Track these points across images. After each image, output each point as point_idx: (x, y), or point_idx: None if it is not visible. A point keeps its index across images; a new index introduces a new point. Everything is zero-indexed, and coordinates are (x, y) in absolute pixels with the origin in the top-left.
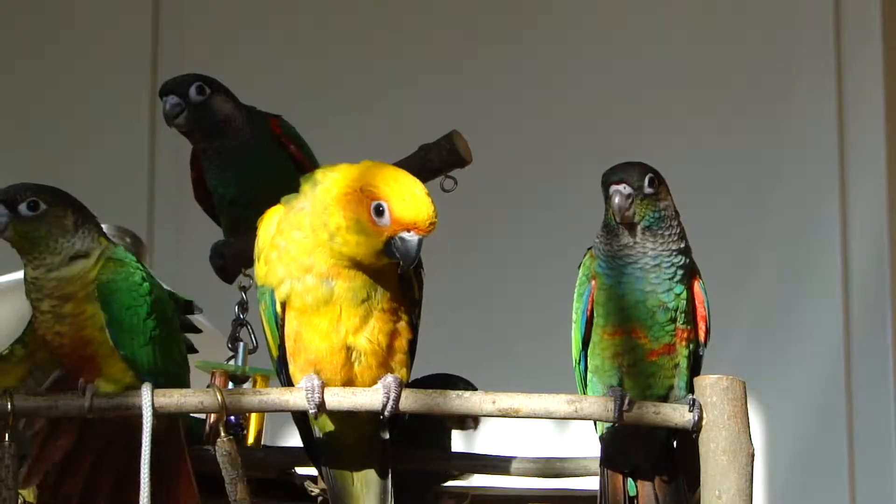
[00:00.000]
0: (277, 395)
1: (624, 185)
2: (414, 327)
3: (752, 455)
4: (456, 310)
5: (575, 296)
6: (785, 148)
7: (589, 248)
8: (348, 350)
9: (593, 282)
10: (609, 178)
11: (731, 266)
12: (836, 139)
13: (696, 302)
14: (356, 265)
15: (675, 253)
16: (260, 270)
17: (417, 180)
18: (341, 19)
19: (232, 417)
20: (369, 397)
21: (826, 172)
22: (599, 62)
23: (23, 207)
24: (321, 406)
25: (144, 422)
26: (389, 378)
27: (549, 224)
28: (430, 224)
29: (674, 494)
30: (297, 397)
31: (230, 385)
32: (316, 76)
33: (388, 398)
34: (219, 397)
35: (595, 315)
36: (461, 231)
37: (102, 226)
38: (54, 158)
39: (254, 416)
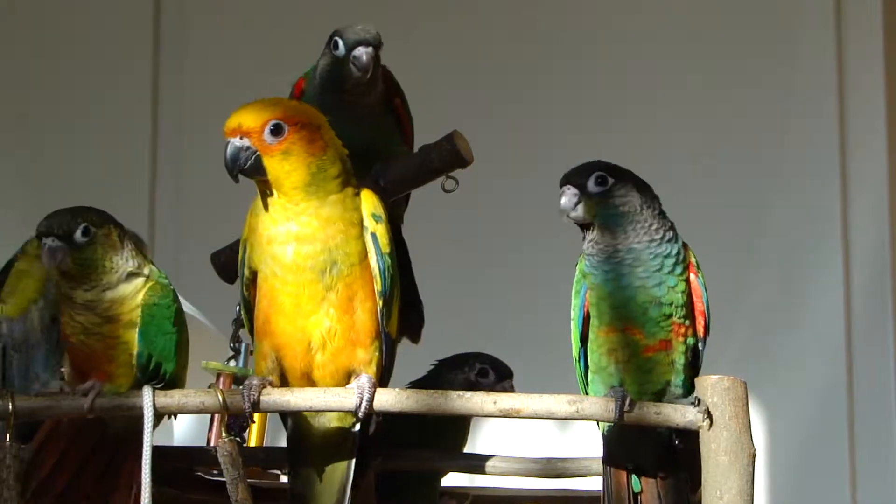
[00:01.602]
0: (278, 396)
1: (568, 185)
2: (380, 327)
3: (754, 455)
4: (456, 309)
5: (573, 293)
6: (786, 146)
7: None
8: (308, 336)
9: (587, 279)
10: (562, 180)
11: (733, 266)
12: (838, 137)
13: (694, 296)
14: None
15: (654, 243)
16: (239, 255)
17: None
18: (342, 20)
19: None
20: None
21: (827, 171)
22: (600, 62)
23: (77, 235)
24: (256, 404)
25: (146, 422)
26: (364, 378)
27: (550, 224)
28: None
29: (675, 491)
30: (298, 397)
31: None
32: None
33: (362, 399)
34: (220, 398)
35: (591, 313)
36: (461, 231)
37: None
38: (55, 159)
39: (256, 416)
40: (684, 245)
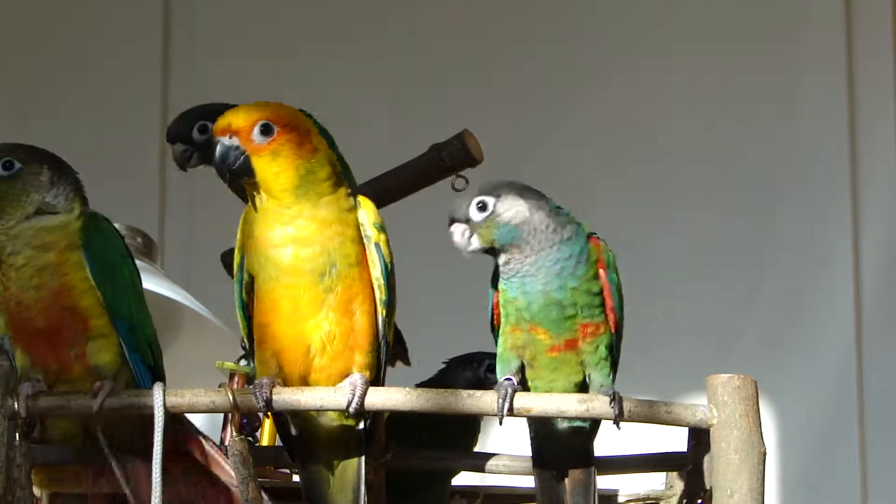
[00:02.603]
0: (289, 395)
1: (455, 223)
2: (378, 334)
3: (764, 454)
4: (465, 308)
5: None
6: (796, 147)
7: None
8: (308, 340)
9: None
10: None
11: (743, 265)
12: (848, 137)
13: (604, 292)
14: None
15: (553, 247)
16: (235, 261)
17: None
18: (353, 18)
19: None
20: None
21: (838, 171)
22: (609, 62)
23: (1, 171)
24: (269, 404)
25: (156, 422)
26: (356, 376)
27: None
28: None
29: (585, 486)
30: (308, 396)
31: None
32: (327, 75)
33: (354, 395)
34: (230, 397)
35: (499, 313)
36: None
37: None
38: (65, 157)
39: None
40: (594, 239)
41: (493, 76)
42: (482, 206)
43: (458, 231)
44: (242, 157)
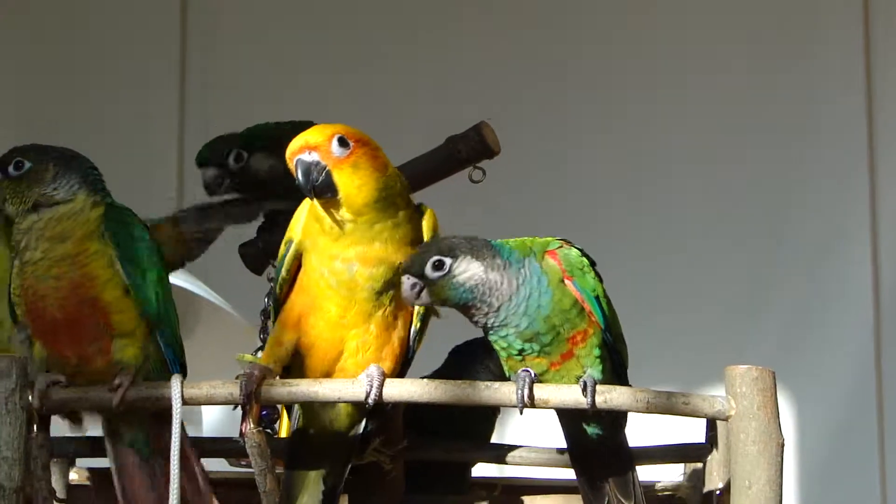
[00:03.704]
0: (307, 387)
1: (407, 276)
2: (408, 344)
3: (782, 445)
4: None
5: None
6: (814, 139)
7: None
8: (343, 345)
9: None
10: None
11: (761, 257)
12: (866, 129)
13: (578, 299)
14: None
15: (513, 296)
16: (282, 249)
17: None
18: (369, 11)
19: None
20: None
21: (855, 162)
22: (627, 56)
23: (10, 169)
24: (251, 396)
25: (174, 414)
26: (372, 367)
27: (576, 215)
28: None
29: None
30: (326, 388)
31: None
32: (343, 68)
33: (372, 387)
34: None
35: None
36: (489, 222)
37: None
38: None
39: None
40: (552, 254)
41: (511, 67)
42: (438, 265)
43: (409, 284)
44: (325, 172)
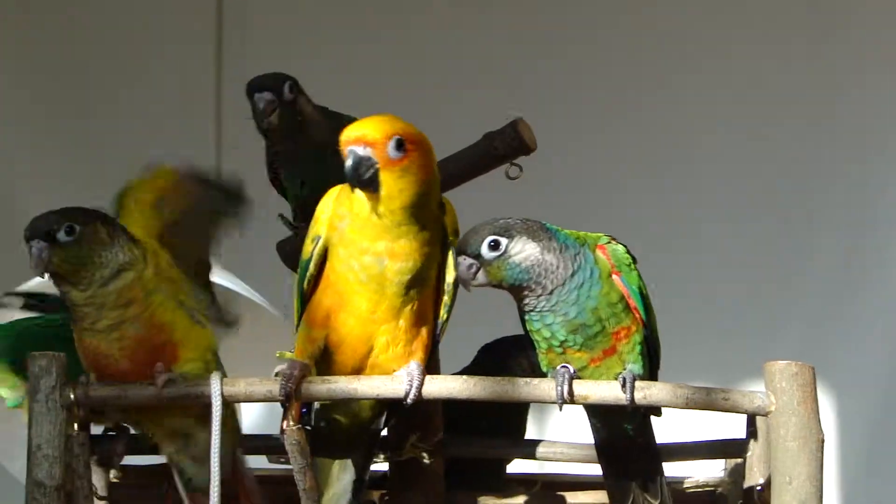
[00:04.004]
0: (346, 384)
1: (463, 256)
2: (434, 335)
3: (822, 441)
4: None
5: None
6: (846, 128)
7: None
8: (373, 341)
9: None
10: (458, 247)
11: (797, 250)
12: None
13: (624, 294)
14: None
15: (566, 282)
16: (307, 246)
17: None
18: (407, 8)
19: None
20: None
21: (888, 150)
22: (663, 54)
23: (61, 235)
24: (290, 395)
25: (213, 411)
26: (412, 364)
27: (611, 211)
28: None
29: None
30: (365, 385)
31: None
32: (381, 65)
33: (412, 385)
34: None
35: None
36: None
37: None
38: (119, 151)
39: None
40: (602, 248)
41: (547, 64)
42: (494, 245)
43: (465, 264)
44: (373, 171)
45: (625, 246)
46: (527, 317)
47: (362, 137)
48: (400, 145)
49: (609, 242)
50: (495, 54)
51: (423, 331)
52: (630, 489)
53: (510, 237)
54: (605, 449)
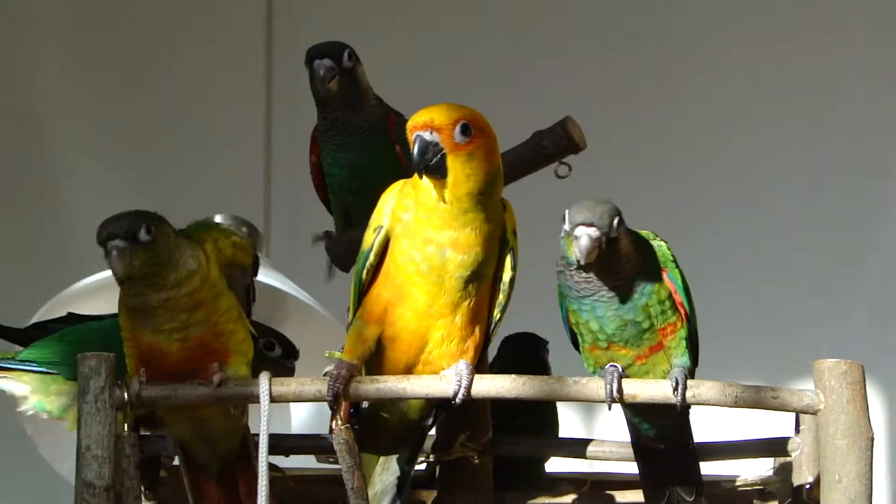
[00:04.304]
0: (394, 383)
1: (594, 228)
2: (487, 334)
3: (872, 439)
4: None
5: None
6: None
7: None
8: (429, 336)
9: (566, 301)
10: (577, 219)
11: (848, 249)
12: None
13: (672, 291)
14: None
15: (635, 278)
16: (369, 236)
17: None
18: (456, 8)
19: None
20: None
21: None
22: (712, 50)
23: (142, 234)
24: (338, 396)
25: (262, 410)
26: (461, 364)
27: (659, 209)
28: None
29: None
30: (414, 384)
31: None
32: (429, 65)
33: (460, 386)
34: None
35: (574, 331)
36: None
37: (219, 216)
38: (170, 149)
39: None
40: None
41: (597, 62)
42: (620, 225)
43: (596, 235)
44: (440, 155)
45: (667, 242)
46: (577, 305)
47: (429, 122)
48: (466, 130)
49: (654, 239)
50: (545, 51)
51: (477, 329)
52: (666, 486)
53: (622, 220)
54: (642, 446)
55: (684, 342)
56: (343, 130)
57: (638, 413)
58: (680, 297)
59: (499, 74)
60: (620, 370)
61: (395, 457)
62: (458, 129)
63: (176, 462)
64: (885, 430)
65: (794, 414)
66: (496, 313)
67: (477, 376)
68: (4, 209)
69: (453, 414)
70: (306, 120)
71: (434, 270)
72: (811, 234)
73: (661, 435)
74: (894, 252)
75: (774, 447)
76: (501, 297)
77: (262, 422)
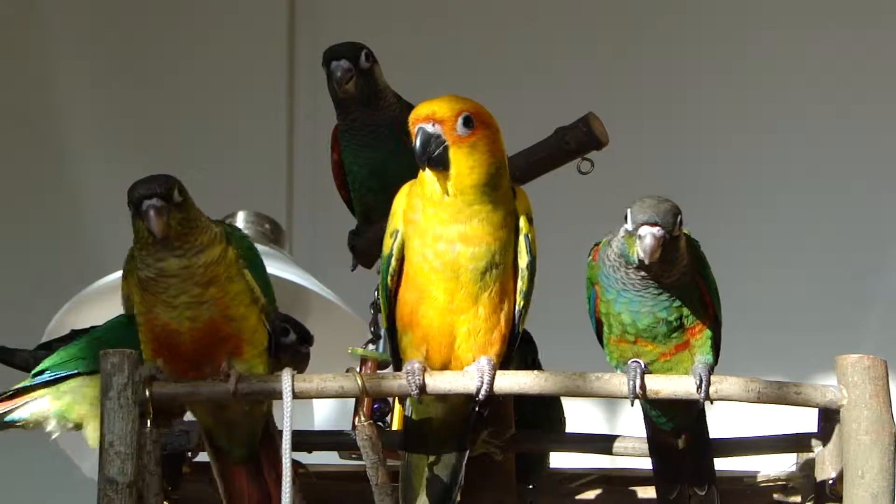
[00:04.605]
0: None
1: (658, 227)
2: (514, 324)
3: (895, 434)
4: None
5: (585, 293)
6: None
7: (595, 244)
8: (455, 331)
9: (596, 287)
10: (640, 218)
11: (870, 244)
12: None
13: (702, 291)
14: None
15: (678, 277)
16: (387, 241)
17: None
18: (478, 5)
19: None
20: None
21: None
22: (737, 45)
23: (175, 195)
24: (423, 389)
25: (285, 407)
26: (483, 361)
27: (686, 204)
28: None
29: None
30: (437, 381)
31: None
32: (452, 61)
33: (482, 382)
34: (359, 382)
35: (601, 320)
36: (597, 213)
37: (241, 213)
38: (193, 147)
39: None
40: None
41: (620, 59)
42: (680, 223)
43: (659, 236)
44: (443, 147)
45: (697, 242)
46: (614, 295)
47: (431, 115)
48: (468, 122)
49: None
50: (567, 49)
51: (502, 319)
52: (678, 481)
53: (682, 218)
54: (658, 441)
55: (709, 342)
56: (362, 129)
57: (656, 407)
58: (710, 298)
59: (522, 71)
60: (643, 366)
61: (444, 455)
62: (460, 121)
63: (198, 459)
64: None
65: (816, 410)
66: (519, 301)
67: (499, 372)
68: (24, 209)
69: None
70: (328, 117)
71: (448, 266)
72: (835, 229)
73: (678, 430)
74: None
75: (797, 443)
76: (522, 284)
77: (285, 418)
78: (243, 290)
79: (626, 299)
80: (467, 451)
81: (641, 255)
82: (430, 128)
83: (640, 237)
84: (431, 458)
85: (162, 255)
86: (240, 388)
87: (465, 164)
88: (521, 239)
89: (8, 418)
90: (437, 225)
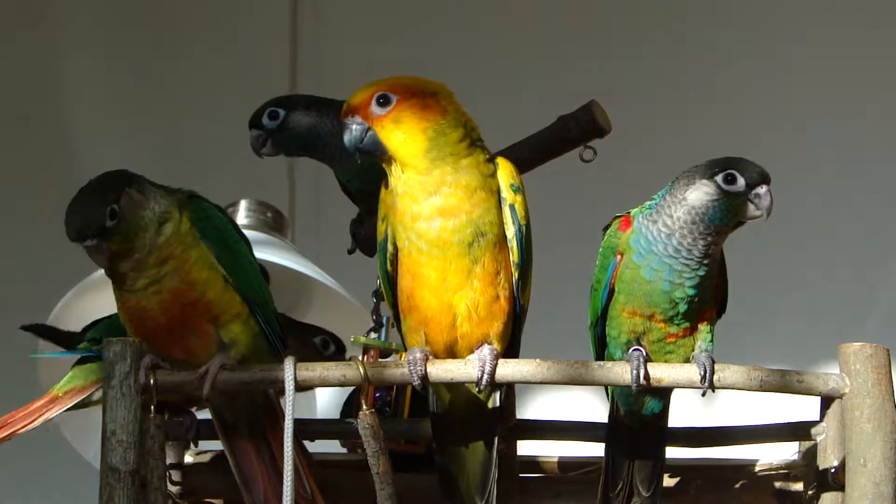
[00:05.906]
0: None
1: (764, 186)
2: (514, 298)
3: None
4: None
5: (597, 264)
6: None
7: (616, 217)
8: (454, 309)
9: (619, 256)
10: (754, 177)
11: (876, 230)
12: None
13: (719, 279)
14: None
15: (720, 252)
16: (380, 228)
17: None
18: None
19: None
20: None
21: None
22: (742, 36)
23: (108, 223)
24: (424, 378)
25: (287, 395)
26: (486, 350)
27: None
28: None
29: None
30: (439, 369)
31: None
32: (454, 48)
33: (483, 371)
34: (361, 370)
35: (616, 290)
36: (600, 201)
37: (243, 201)
38: (196, 135)
39: (409, 388)
40: None
41: (622, 46)
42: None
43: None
44: (367, 133)
45: None
46: (643, 259)
47: (347, 110)
48: (383, 99)
49: None
50: (569, 35)
51: (501, 295)
52: (626, 473)
53: None
54: (617, 428)
55: (713, 330)
56: (330, 160)
57: (632, 393)
58: (722, 283)
59: (524, 60)
60: (645, 354)
61: (473, 444)
62: (373, 102)
63: (200, 446)
64: None
65: (819, 398)
66: (514, 273)
67: (501, 361)
68: (31, 195)
69: None
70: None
71: (433, 244)
72: (837, 217)
73: (643, 415)
74: None
75: (799, 431)
76: (514, 256)
77: (288, 407)
78: (204, 254)
79: (666, 265)
80: (496, 439)
81: (758, 212)
82: (350, 121)
83: (757, 196)
84: (463, 449)
85: (114, 263)
86: (241, 376)
87: (396, 139)
88: (507, 210)
89: (89, 399)
90: (412, 204)
